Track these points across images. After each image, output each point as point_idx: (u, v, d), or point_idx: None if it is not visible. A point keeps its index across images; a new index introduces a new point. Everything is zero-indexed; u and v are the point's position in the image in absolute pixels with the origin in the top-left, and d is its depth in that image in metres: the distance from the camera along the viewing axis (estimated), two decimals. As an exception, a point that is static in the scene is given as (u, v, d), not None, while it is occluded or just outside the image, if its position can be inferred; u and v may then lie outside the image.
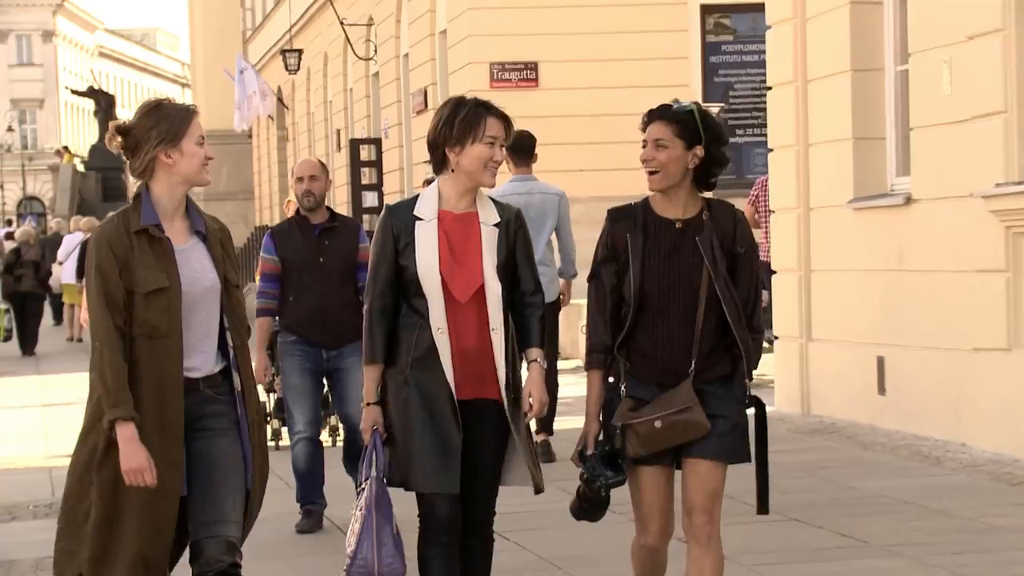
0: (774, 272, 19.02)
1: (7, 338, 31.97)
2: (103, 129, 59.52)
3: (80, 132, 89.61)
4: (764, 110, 19.04)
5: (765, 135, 19.44)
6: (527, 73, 28.58)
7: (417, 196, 6.49)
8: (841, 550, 10.61)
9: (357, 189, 37.06)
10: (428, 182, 19.23)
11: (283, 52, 46.05)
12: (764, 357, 9.81)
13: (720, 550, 6.42)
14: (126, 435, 5.86)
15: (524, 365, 6.79)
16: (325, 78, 46.50)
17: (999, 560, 9.95)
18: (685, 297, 6.27)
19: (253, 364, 6.87)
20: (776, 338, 18.65)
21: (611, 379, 6.36)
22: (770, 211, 19.16)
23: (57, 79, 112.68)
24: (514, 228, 6.62)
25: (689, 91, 28.18)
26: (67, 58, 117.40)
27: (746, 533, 10.14)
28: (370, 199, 35.10)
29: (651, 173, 6.32)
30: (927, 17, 15.12)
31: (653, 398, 6.27)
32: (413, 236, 6.39)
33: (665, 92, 27.18)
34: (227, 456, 6.15)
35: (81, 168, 65.87)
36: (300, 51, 46.01)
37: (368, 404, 6.42)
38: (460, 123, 6.34)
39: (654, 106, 6.46)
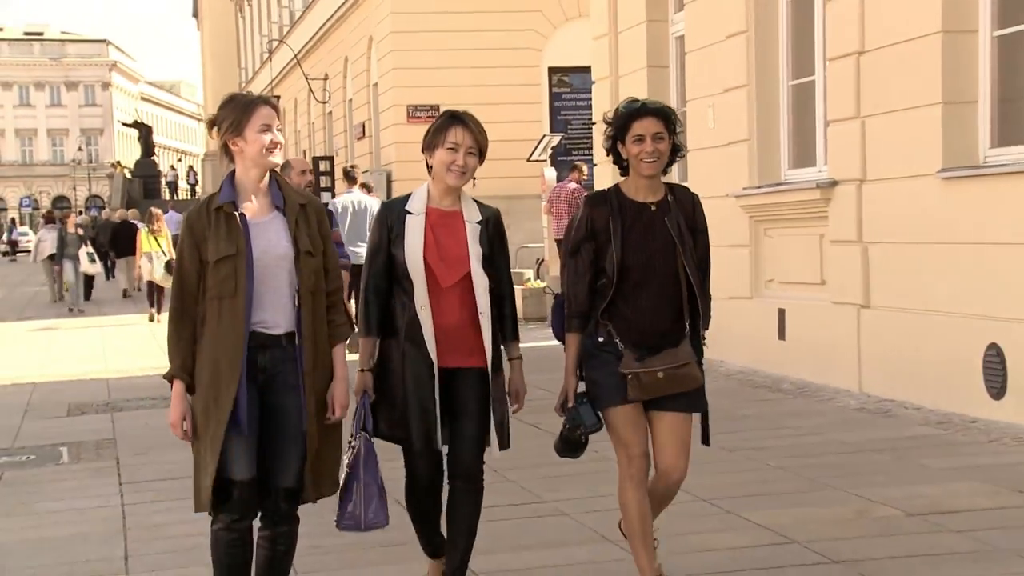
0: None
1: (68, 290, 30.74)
2: (144, 150, 58.60)
3: (128, 152, 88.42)
4: (591, 139, 19.03)
5: (591, 155, 19.44)
6: (432, 112, 28.28)
7: (410, 194, 5.77)
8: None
9: (316, 191, 35.40)
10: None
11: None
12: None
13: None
14: (176, 391, 5.28)
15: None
16: (295, 115, 45.96)
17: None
18: (662, 269, 5.49)
19: None
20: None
21: (600, 339, 5.58)
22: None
23: (112, 115, 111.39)
24: (493, 226, 5.75)
25: (541, 126, 28.24)
26: (119, 101, 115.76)
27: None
28: (325, 198, 34.88)
29: (649, 162, 5.48)
30: (699, 70, 15.14)
31: (645, 355, 5.50)
32: (403, 228, 5.61)
33: (526, 126, 27.33)
34: (292, 411, 5.33)
35: (128, 176, 64.93)
36: (279, 96, 45.36)
37: (360, 371, 5.62)
38: (433, 132, 5.64)
39: (628, 103, 5.62)
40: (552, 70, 29.13)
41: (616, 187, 5.65)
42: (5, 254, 74.47)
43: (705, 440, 5.86)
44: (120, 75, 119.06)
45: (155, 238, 24.75)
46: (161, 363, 5.73)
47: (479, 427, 5.63)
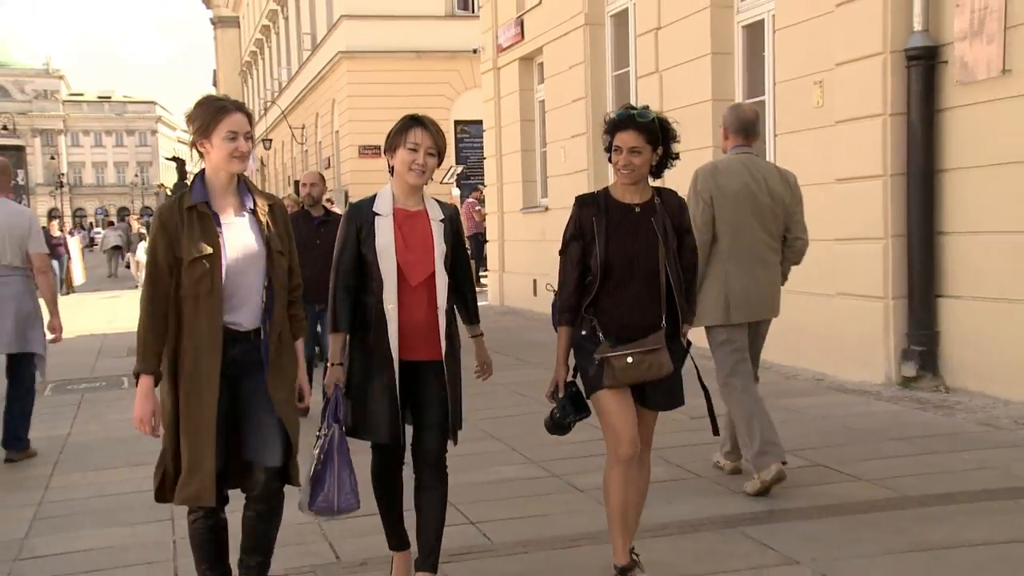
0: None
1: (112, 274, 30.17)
2: (179, 176, 57.48)
3: (169, 177, 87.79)
4: (482, 168, 18.99)
5: (483, 180, 19.44)
6: (375, 151, 28.07)
7: (375, 195, 4.45)
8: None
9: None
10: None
11: (263, 140, 44.99)
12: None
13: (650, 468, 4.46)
14: (144, 386, 3.98)
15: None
16: (282, 152, 45.39)
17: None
18: (645, 268, 4.24)
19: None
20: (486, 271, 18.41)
21: (584, 332, 4.32)
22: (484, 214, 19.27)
23: (158, 152, 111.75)
24: (455, 223, 4.48)
25: (449, 159, 28.13)
26: (162, 142, 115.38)
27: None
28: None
29: (624, 172, 4.28)
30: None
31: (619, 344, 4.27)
32: (373, 228, 4.30)
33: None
34: (264, 394, 4.01)
35: (169, 193, 64.00)
36: (271, 139, 45.02)
37: (332, 364, 4.33)
38: (394, 134, 4.37)
39: (620, 111, 4.36)
40: (457, 122, 28.91)
41: (605, 189, 4.44)
42: (87, 247, 74.30)
43: (715, 431, 4.63)
44: (163, 125, 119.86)
45: None
46: None
47: (443, 416, 4.35)
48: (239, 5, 57.31)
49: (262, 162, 48.85)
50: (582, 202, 4.40)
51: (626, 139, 4.23)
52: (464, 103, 28.83)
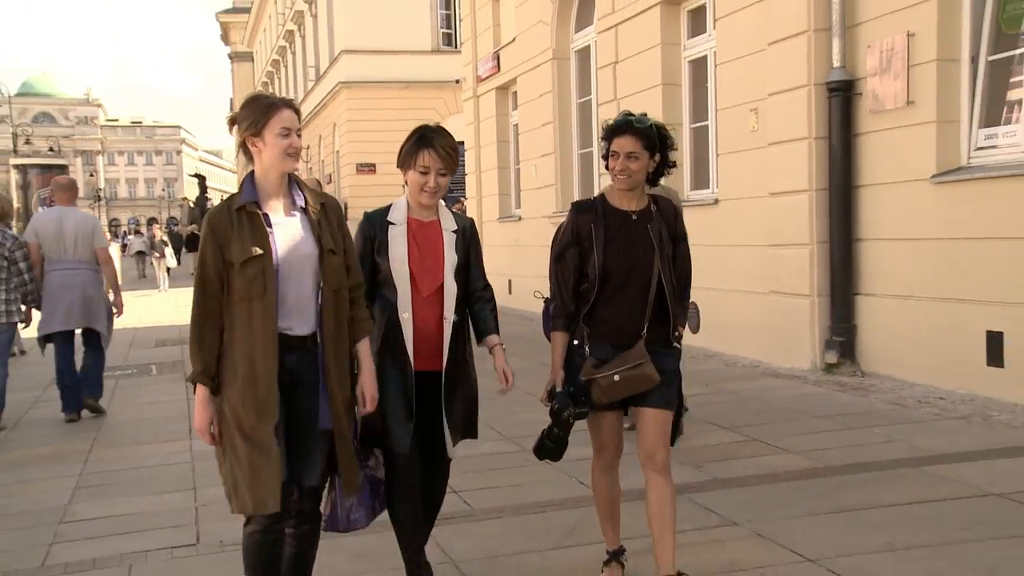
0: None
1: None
2: (201, 190, 56.99)
3: (192, 191, 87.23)
4: (464, 184, 18.92)
5: (464, 193, 19.40)
6: (371, 168, 28.06)
7: (390, 205, 3.87)
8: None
9: None
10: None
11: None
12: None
13: (671, 477, 3.74)
14: (200, 395, 3.30)
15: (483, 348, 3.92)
16: (291, 169, 45.16)
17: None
18: (642, 276, 3.66)
19: None
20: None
21: (575, 342, 3.73)
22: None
23: (182, 170, 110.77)
24: (468, 235, 3.89)
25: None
26: (186, 161, 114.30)
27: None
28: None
29: (620, 178, 3.71)
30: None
31: (611, 357, 3.65)
32: (387, 238, 3.75)
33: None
34: (313, 413, 3.33)
35: (192, 206, 63.41)
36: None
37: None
38: (405, 152, 3.80)
39: (619, 117, 3.78)
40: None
41: (602, 195, 3.83)
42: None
43: (671, 441, 3.83)
44: (187, 146, 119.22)
45: None
46: None
47: (451, 422, 3.78)
48: (253, 42, 56.96)
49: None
50: (579, 208, 3.81)
51: (623, 144, 3.70)
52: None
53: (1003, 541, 4.10)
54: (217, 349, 3.29)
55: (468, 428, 3.87)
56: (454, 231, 3.84)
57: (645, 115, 3.77)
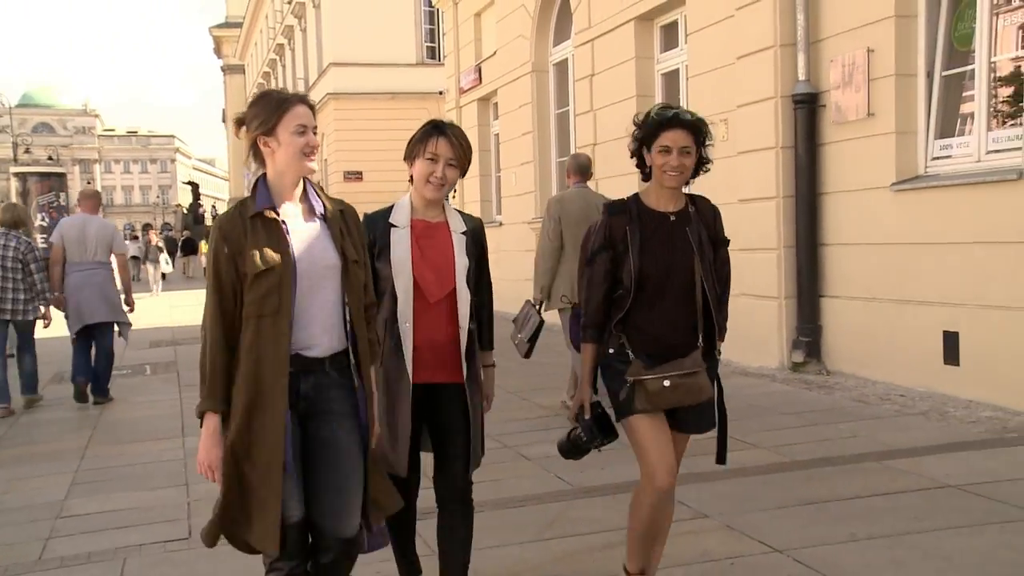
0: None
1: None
2: (194, 197, 56.54)
3: (185, 198, 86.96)
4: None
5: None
6: (358, 176, 27.96)
7: (392, 206, 3.34)
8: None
9: None
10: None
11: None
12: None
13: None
14: (209, 427, 2.72)
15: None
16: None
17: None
18: (679, 281, 3.16)
19: None
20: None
21: (612, 350, 3.21)
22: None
23: (176, 178, 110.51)
24: (478, 237, 3.38)
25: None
26: (180, 169, 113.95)
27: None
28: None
29: (673, 175, 3.19)
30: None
31: (653, 364, 3.16)
32: (388, 241, 3.22)
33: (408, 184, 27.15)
34: (350, 441, 2.80)
35: (185, 212, 63.29)
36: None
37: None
38: (414, 142, 3.31)
39: (660, 110, 3.24)
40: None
41: (636, 196, 3.32)
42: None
43: (721, 459, 3.37)
44: (181, 155, 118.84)
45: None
46: (194, 319, 5.04)
47: (466, 444, 3.27)
48: (245, 55, 56.71)
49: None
50: (613, 210, 3.29)
51: (676, 138, 3.18)
52: None
53: (958, 530, 4.12)
54: (230, 374, 2.71)
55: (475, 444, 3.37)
56: (463, 232, 3.35)
57: (680, 107, 3.30)
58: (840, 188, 8.05)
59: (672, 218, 3.25)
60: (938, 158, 7.34)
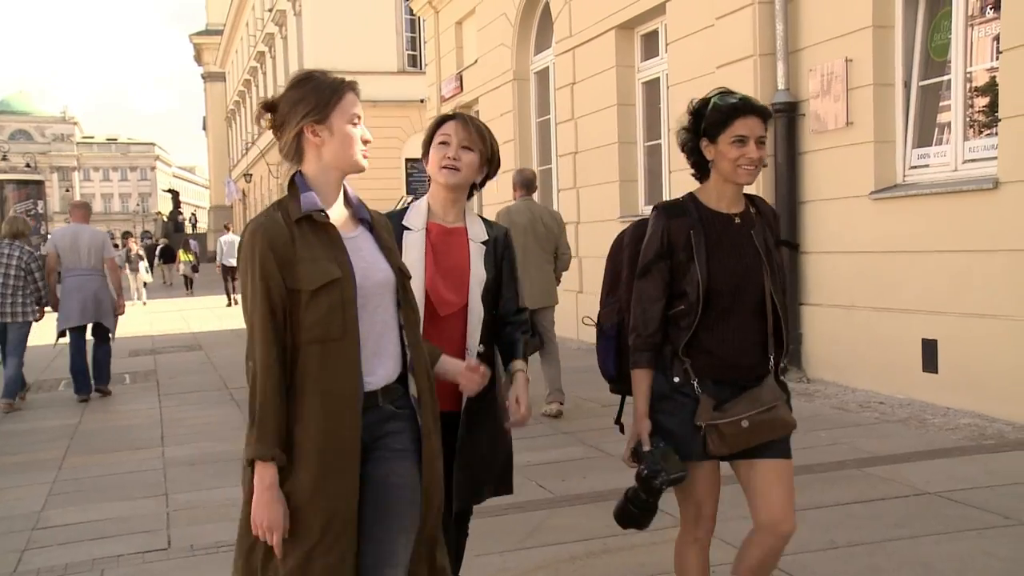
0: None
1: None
2: (174, 205, 56.22)
3: (165, 206, 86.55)
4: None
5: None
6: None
7: (407, 207, 2.97)
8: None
9: None
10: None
11: (245, 175, 44.40)
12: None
13: None
14: (265, 480, 2.13)
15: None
16: (260, 186, 44.82)
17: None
18: (752, 292, 2.68)
19: None
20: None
21: (676, 379, 2.69)
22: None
23: (156, 185, 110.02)
24: (502, 246, 2.96)
25: (401, 189, 27.92)
26: (160, 177, 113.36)
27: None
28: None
29: (749, 168, 2.69)
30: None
31: (728, 397, 2.68)
32: (400, 246, 2.75)
33: (393, 190, 27.00)
34: (405, 486, 2.29)
35: (165, 220, 63.05)
36: (252, 174, 44.46)
37: None
38: (427, 135, 3.00)
39: (723, 94, 2.76)
40: (408, 159, 28.76)
41: (692, 195, 2.83)
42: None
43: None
44: (161, 162, 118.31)
45: (186, 252, 29.90)
46: (173, 328, 4.96)
47: (467, 477, 2.92)
48: (226, 62, 56.58)
49: (244, 193, 48.23)
50: (670, 211, 2.77)
51: (753, 126, 2.68)
52: (413, 144, 28.59)
53: (936, 537, 4.14)
54: (285, 413, 2.20)
55: (500, 480, 3.08)
56: (484, 241, 2.94)
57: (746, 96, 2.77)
58: (819, 197, 8.11)
59: (737, 220, 2.76)
60: (916, 167, 7.41)
